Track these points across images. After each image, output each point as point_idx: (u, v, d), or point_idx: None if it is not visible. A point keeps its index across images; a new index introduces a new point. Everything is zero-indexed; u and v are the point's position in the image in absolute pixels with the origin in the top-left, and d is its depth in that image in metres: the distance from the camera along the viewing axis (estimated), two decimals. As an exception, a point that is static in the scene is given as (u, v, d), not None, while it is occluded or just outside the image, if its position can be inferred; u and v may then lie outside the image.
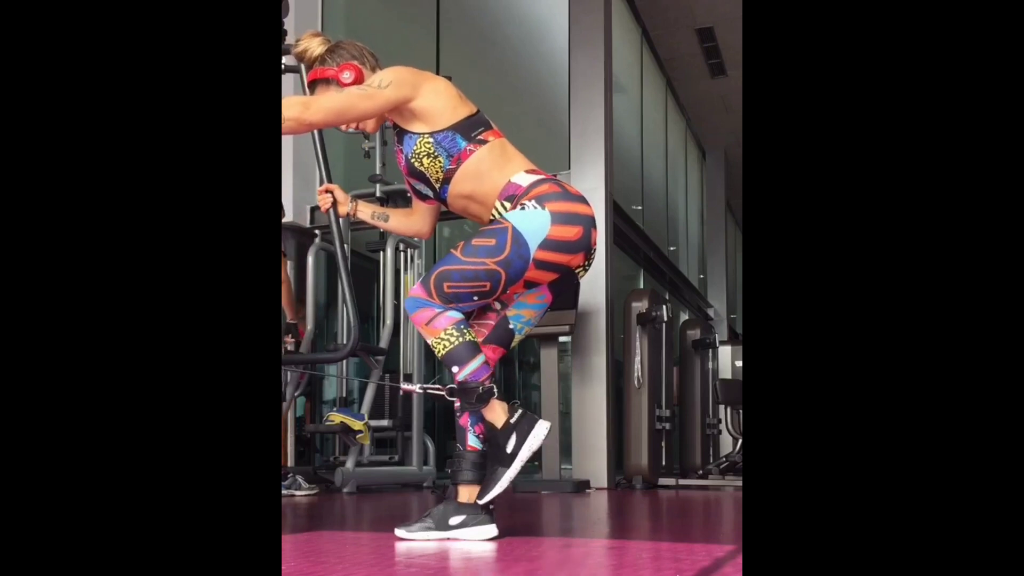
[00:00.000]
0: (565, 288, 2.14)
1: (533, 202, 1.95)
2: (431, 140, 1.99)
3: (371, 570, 1.59)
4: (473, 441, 2.12)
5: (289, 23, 4.38)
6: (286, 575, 1.50)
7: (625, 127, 6.70)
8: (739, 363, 6.57)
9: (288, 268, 4.49)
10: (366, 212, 2.29)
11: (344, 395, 4.97)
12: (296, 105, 1.88)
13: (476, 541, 2.05)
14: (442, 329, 1.96)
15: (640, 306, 4.88)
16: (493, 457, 2.04)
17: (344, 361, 4.43)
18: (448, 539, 2.07)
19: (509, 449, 1.99)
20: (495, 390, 2.01)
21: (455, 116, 2.01)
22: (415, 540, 2.07)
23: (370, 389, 4.57)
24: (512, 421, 2.00)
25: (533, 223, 1.94)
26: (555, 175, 2.06)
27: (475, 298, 1.97)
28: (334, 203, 2.31)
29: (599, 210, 4.98)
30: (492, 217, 2.03)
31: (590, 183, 4.97)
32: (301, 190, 5.47)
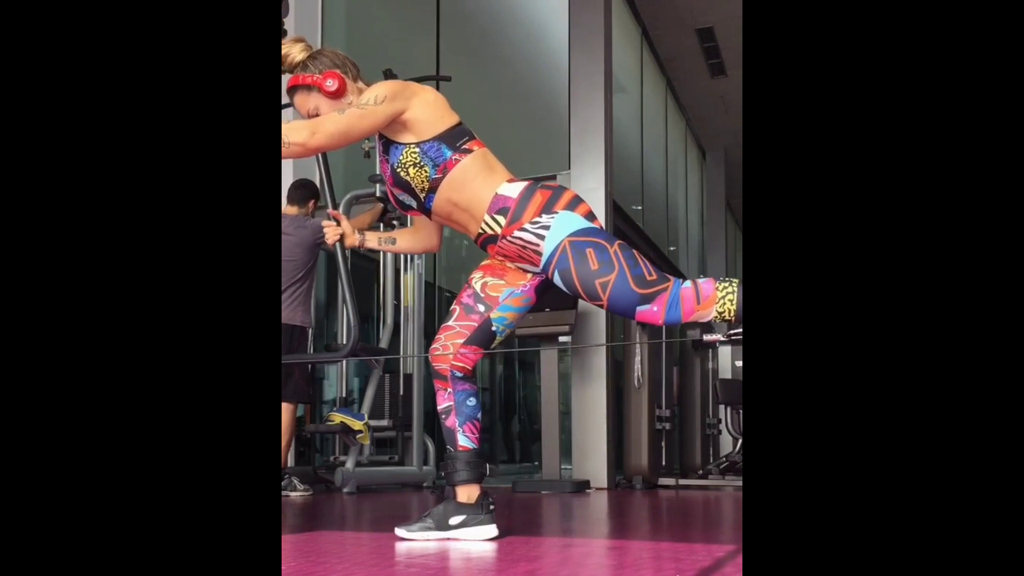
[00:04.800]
0: (549, 289, 2.17)
1: (545, 217, 2.00)
2: (417, 150, 2.01)
3: (371, 570, 1.59)
4: (464, 441, 2.13)
5: (289, 23, 4.38)
6: (286, 575, 1.50)
7: (625, 127, 6.70)
8: (739, 363, 6.56)
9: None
10: (373, 240, 2.30)
11: (344, 395, 4.97)
12: (302, 130, 1.89)
13: (476, 541, 2.06)
14: (713, 291, 1.94)
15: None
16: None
17: (344, 361, 4.43)
18: (448, 539, 2.08)
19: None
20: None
21: (441, 126, 2.03)
22: (415, 540, 2.07)
23: (370, 389, 4.57)
24: None
25: (569, 223, 1.99)
26: (533, 180, 2.10)
27: (653, 264, 1.99)
28: (341, 237, 2.31)
29: (599, 210, 4.98)
30: (481, 230, 2.06)
31: (590, 183, 4.97)
32: (301, 190, 5.46)
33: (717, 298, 1.93)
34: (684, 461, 5.72)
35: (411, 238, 2.32)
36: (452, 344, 2.12)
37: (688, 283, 1.95)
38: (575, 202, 2.03)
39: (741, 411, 5.67)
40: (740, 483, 4.75)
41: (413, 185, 2.05)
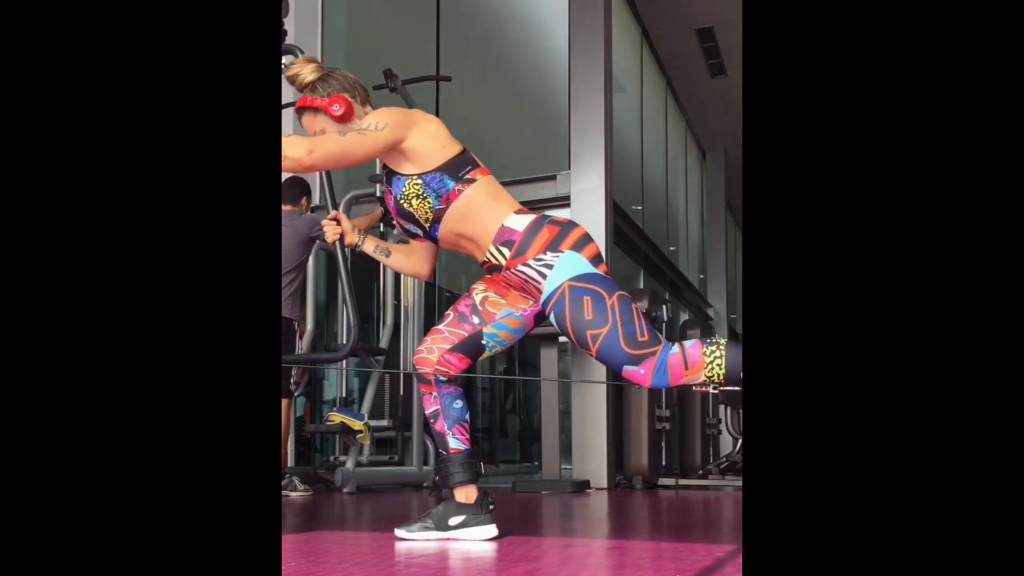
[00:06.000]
0: (547, 318, 2.17)
1: (550, 255, 1.97)
2: (420, 181, 2.00)
3: (371, 570, 1.59)
4: (455, 443, 2.14)
5: (289, 23, 4.38)
6: (286, 575, 1.50)
7: (625, 127, 6.70)
8: (739, 363, 6.54)
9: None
10: (370, 246, 2.25)
11: (344, 395, 4.97)
12: (300, 147, 1.87)
13: (476, 541, 2.06)
14: (700, 356, 1.94)
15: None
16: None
17: (344, 361, 4.43)
18: (448, 539, 2.08)
19: None
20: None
21: (443, 156, 2.01)
22: (415, 540, 2.07)
23: (370, 389, 4.57)
24: None
25: (572, 265, 1.97)
26: (542, 213, 2.07)
27: (647, 323, 1.97)
28: (341, 235, 2.29)
29: (599, 210, 4.99)
30: (486, 259, 2.05)
31: (590, 183, 4.97)
32: (301, 190, 5.45)
33: (705, 363, 1.94)
34: (684, 461, 5.72)
35: (404, 259, 2.27)
36: (438, 348, 2.11)
37: (676, 348, 1.95)
38: (583, 242, 2.00)
39: (741, 411, 5.67)
40: (740, 483, 4.75)
41: (417, 216, 2.03)
